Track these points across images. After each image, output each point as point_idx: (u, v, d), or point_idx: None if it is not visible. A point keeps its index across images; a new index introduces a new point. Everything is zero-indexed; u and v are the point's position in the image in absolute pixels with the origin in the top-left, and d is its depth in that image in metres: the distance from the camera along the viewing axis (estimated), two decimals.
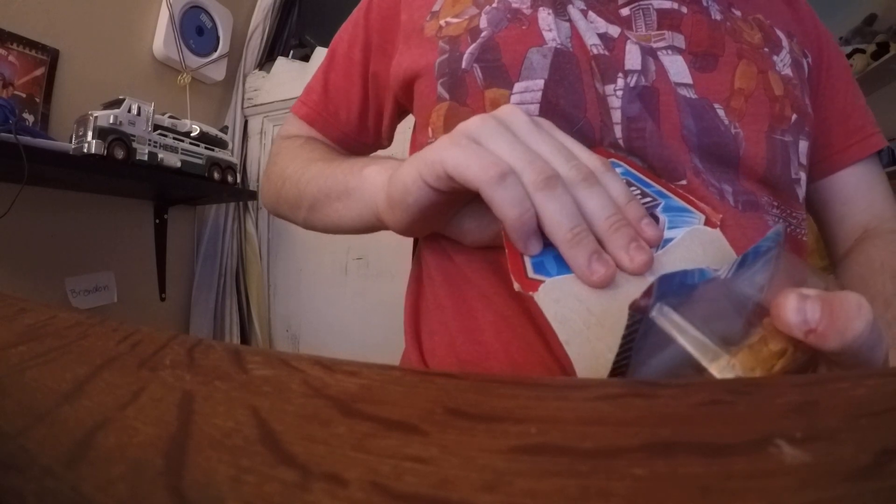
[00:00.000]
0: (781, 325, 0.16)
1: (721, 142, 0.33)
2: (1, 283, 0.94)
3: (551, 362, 0.30)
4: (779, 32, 0.38)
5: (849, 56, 1.77)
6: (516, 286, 0.20)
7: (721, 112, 0.33)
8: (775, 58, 0.37)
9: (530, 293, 0.20)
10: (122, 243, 1.17)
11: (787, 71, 0.37)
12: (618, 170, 0.26)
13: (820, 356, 0.17)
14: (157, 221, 1.25)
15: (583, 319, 0.19)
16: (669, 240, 0.22)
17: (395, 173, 0.27)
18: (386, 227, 0.32)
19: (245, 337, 1.44)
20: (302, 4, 1.61)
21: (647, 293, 0.16)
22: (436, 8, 0.38)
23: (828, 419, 0.10)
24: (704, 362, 0.16)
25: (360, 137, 0.49)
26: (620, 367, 0.17)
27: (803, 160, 0.36)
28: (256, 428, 0.11)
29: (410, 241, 0.54)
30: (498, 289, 0.33)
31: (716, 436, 0.09)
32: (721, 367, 0.15)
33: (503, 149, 0.23)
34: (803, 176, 0.37)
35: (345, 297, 1.35)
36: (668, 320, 0.16)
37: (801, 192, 0.37)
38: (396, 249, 1.20)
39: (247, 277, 1.45)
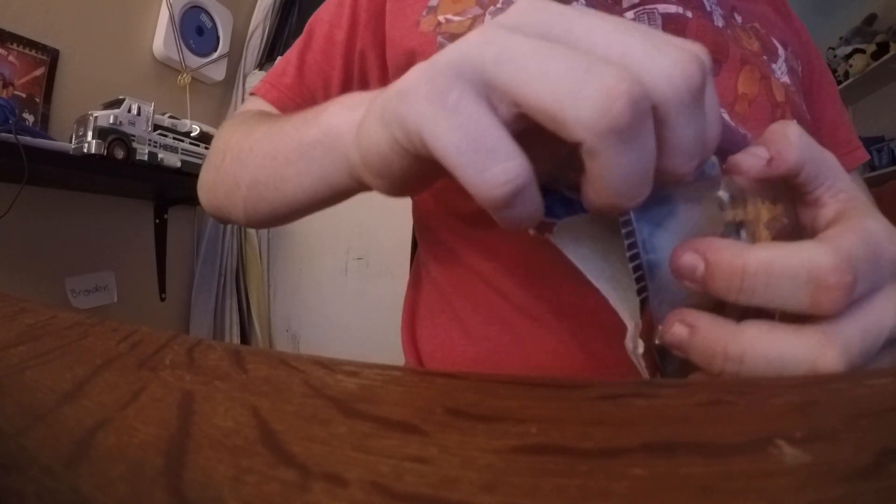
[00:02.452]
0: (742, 172, 0.17)
1: (733, 139, 0.33)
2: (1, 283, 0.94)
3: (566, 358, 0.30)
4: (775, 41, 0.39)
5: (849, 56, 1.77)
6: (531, 231, 0.20)
7: (726, 116, 0.33)
8: (774, 65, 0.37)
9: (546, 235, 0.20)
10: (122, 243, 1.17)
11: (786, 78, 0.37)
12: None
13: (796, 209, 0.18)
14: (157, 221, 1.25)
15: (601, 256, 0.19)
16: None
17: (364, 126, 0.18)
18: (367, 189, 0.23)
19: (245, 337, 1.44)
20: (302, 4, 1.60)
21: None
22: (433, 3, 0.38)
23: (828, 419, 0.10)
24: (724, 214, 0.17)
25: None
26: (642, 285, 0.17)
27: None
28: (256, 428, 0.11)
29: (410, 241, 0.54)
30: (505, 282, 0.33)
31: (716, 436, 0.09)
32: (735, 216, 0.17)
33: (536, 75, 0.13)
34: None
35: (345, 297, 1.35)
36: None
37: None
38: (396, 249, 1.20)
39: (247, 277, 1.45)
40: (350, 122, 0.21)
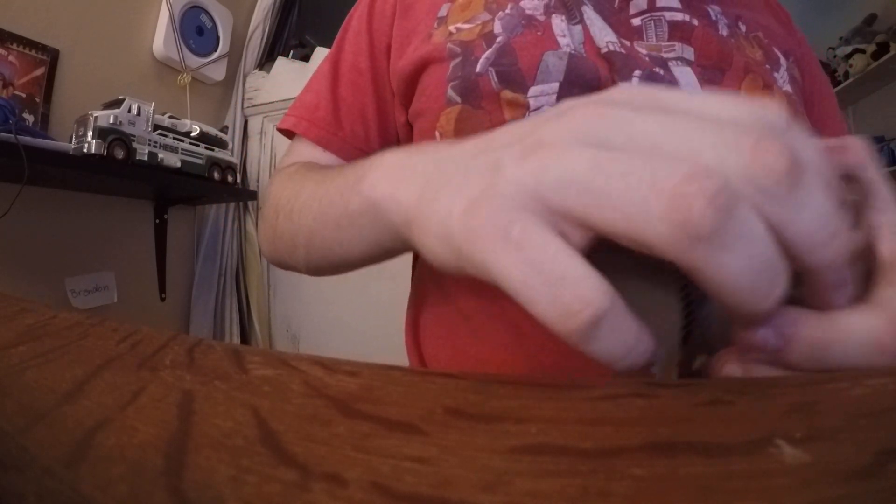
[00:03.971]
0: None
1: None
2: (1, 283, 0.94)
3: (570, 359, 0.30)
4: (777, 51, 0.39)
5: (849, 56, 1.77)
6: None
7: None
8: (776, 74, 0.37)
9: None
10: (122, 243, 1.17)
11: (787, 87, 0.37)
12: None
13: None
14: (157, 221, 1.25)
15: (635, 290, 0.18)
16: None
17: (423, 236, 0.17)
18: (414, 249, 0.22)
19: (245, 337, 1.44)
20: (302, 4, 1.60)
21: None
22: (442, 14, 0.38)
23: (828, 419, 0.10)
24: None
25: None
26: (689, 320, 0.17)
27: None
28: (256, 428, 0.11)
29: None
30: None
31: (716, 436, 0.09)
32: None
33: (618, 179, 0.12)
34: None
35: (345, 297, 1.35)
36: None
37: None
38: None
39: (247, 277, 1.45)
40: (393, 199, 0.20)
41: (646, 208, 0.12)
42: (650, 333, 0.13)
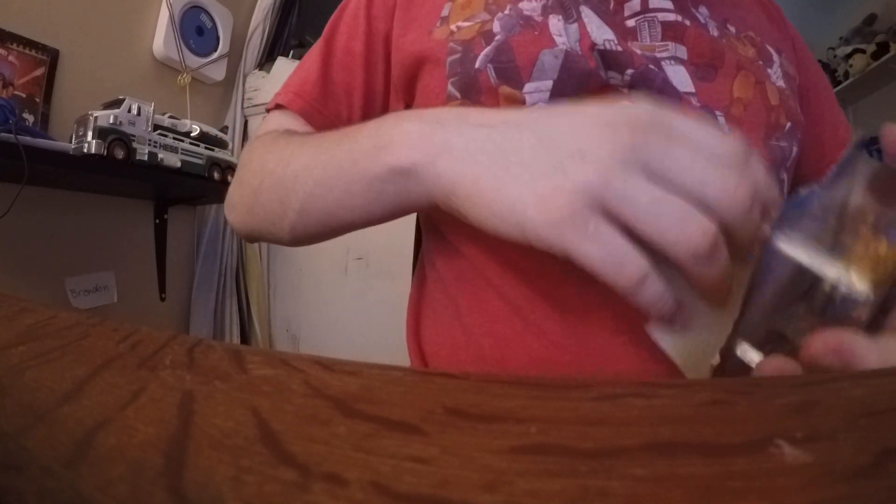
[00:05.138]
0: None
1: None
2: (1, 283, 0.94)
3: (566, 352, 0.31)
4: (769, 48, 0.40)
5: (849, 56, 1.77)
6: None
7: (721, 119, 0.34)
8: (769, 70, 0.38)
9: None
10: (122, 243, 1.17)
11: (781, 83, 0.38)
12: None
13: None
14: (157, 221, 1.25)
15: (703, 351, 0.21)
16: None
17: (479, 196, 0.23)
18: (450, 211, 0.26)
19: (245, 337, 1.44)
20: (302, 4, 1.60)
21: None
22: (444, 13, 0.39)
23: (828, 419, 0.10)
24: (829, 278, 0.18)
25: None
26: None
27: (790, 164, 0.38)
28: (256, 428, 0.11)
29: (411, 240, 0.54)
30: (509, 279, 0.33)
31: (716, 436, 0.09)
32: (841, 277, 0.18)
33: (644, 214, 0.19)
34: (786, 178, 0.39)
35: (345, 297, 1.35)
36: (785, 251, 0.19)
37: (783, 192, 0.39)
38: (396, 249, 1.20)
39: (247, 277, 1.45)
40: (433, 172, 0.25)
41: (676, 234, 0.19)
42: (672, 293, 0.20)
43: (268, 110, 0.45)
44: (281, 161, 0.34)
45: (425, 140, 0.25)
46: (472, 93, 0.34)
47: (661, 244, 0.19)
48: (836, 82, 1.78)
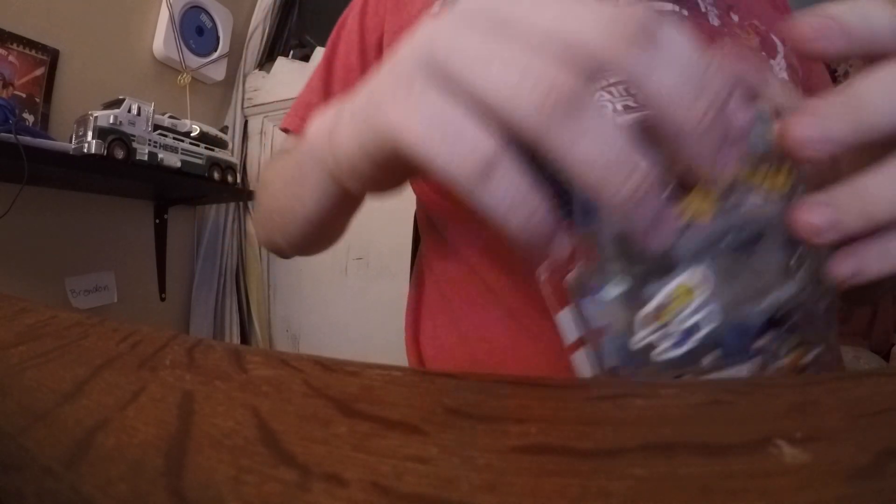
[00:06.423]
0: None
1: None
2: (1, 283, 0.94)
3: (562, 358, 0.31)
4: (774, 38, 0.39)
5: None
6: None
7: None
8: (772, 61, 0.37)
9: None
10: (122, 243, 1.17)
11: (784, 74, 0.37)
12: None
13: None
14: (157, 221, 1.25)
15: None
16: None
17: (336, 133, 0.19)
18: (360, 197, 0.25)
19: (245, 337, 1.44)
20: (302, 4, 1.60)
21: None
22: (436, 10, 0.38)
23: (828, 419, 0.10)
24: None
25: None
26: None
27: None
28: (256, 428, 0.11)
29: (410, 240, 0.54)
30: (505, 282, 0.33)
31: (716, 436, 0.09)
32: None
33: (483, 71, 0.13)
34: None
35: (345, 297, 1.35)
36: None
37: None
38: (396, 249, 1.20)
39: (247, 277, 1.45)
40: (323, 128, 0.22)
41: (446, 160, 0.13)
42: (545, 197, 0.14)
43: (282, 129, 0.47)
44: (273, 177, 0.35)
45: (325, 120, 0.23)
46: None
47: (497, 104, 0.13)
48: (836, 82, 1.78)
